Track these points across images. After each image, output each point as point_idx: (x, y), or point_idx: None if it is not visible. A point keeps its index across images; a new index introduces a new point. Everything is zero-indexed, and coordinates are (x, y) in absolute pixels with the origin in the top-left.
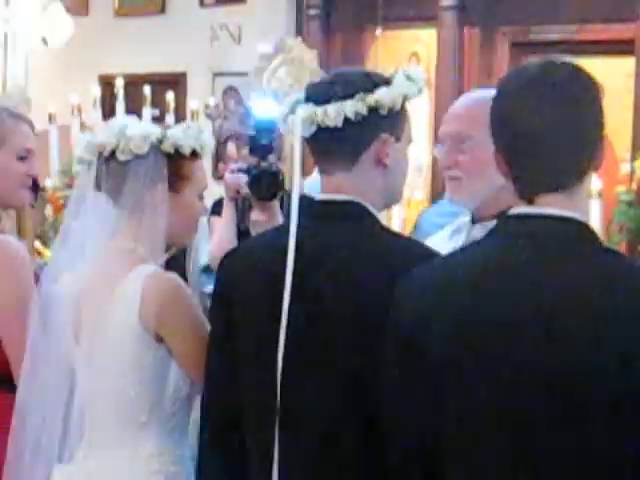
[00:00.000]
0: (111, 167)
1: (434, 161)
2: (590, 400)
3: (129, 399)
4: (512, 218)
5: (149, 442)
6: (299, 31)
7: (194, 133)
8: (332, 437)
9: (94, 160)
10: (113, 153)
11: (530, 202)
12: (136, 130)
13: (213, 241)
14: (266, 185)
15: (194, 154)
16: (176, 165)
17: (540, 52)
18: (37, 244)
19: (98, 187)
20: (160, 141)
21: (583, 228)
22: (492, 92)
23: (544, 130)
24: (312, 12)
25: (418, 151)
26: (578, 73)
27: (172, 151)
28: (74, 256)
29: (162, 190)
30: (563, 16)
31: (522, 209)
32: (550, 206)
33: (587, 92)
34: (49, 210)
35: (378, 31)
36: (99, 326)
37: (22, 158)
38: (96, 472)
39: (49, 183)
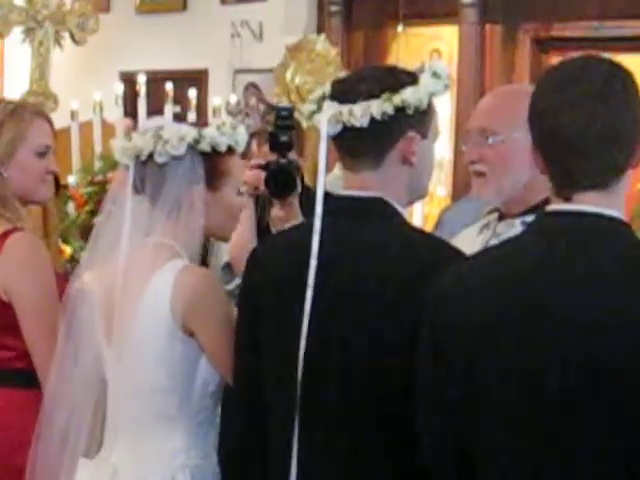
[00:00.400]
0: (149, 170)
1: (456, 157)
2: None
3: (158, 393)
4: (549, 215)
5: (177, 436)
6: (320, 28)
7: (229, 130)
8: (352, 434)
9: (131, 164)
10: (150, 156)
11: (567, 200)
12: (172, 132)
13: (232, 238)
14: (282, 181)
15: (230, 150)
16: (213, 163)
17: (562, 49)
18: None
19: (136, 190)
20: (197, 141)
21: (620, 225)
22: (520, 88)
23: (583, 127)
24: (333, 9)
25: (440, 147)
26: (617, 70)
27: (209, 150)
28: (107, 256)
29: (200, 189)
30: (585, 12)
31: (559, 206)
32: (587, 204)
33: (626, 89)
34: (71, 207)
35: (399, 28)
36: (131, 320)
37: (41, 154)
38: (122, 466)
39: (71, 180)
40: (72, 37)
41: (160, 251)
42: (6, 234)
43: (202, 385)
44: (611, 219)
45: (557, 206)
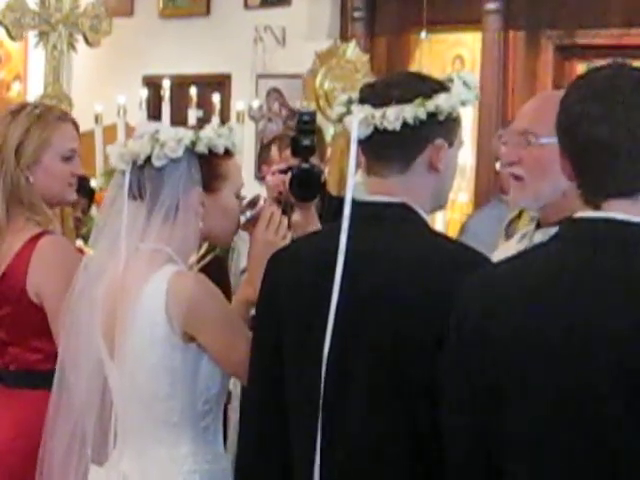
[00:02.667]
0: (147, 174)
1: (478, 163)
2: None
3: (160, 400)
4: (576, 222)
5: (183, 442)
6: (343, 34)
7: (225, 132)
8: (377, 436)
9: (127, 169)
10: (147, 160)
11: (596, 207)
12: (169, 134)
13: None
14: (306, 185)
15: (227, 152)
16: (211, 165)
17: (585, 56)
18: (81, 244)
19: (132, 196)
20: (194, 143)
21: None
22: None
23: (612, 136)
24: (356, 15)
25: (462, 153)
26: None
27: (206, 151)
28: (105, 263)
29: (197, 192)
30: (609, 20)
31: (587, 213)
32: (617, 211)
33: None
34: (94, 210)
35: (422, 34)
36: (128, 328)
37: (67, 159)
38: (131, 474)
39: (94, 184)
40: (86, 40)
41: (154, 257)
42: (37, 237)
43: (204, 390)
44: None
45: (586, 213)
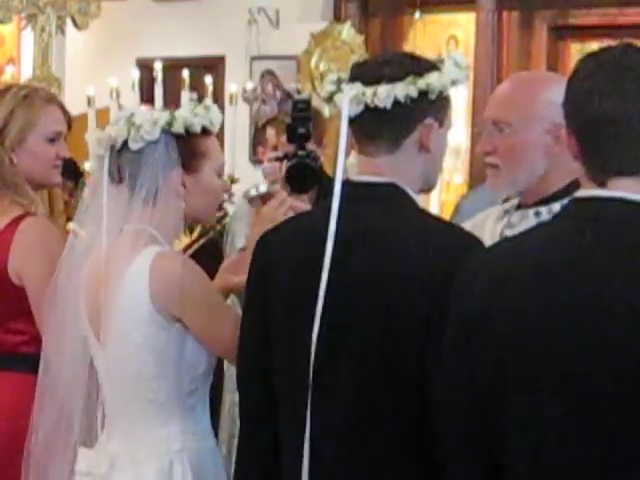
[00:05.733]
0: (125, 158)
1: (473, 144)
2: None
3: (146, 380)
4: (581, 200)
5: (170, 422)
6: (337, 15)
7: (202, 111)
8: (364, 414)
9: (106, 155)
10: (125, 144)
11: (602, 185)
12: (144, 117)
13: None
14: (301, 178)
15: (205, 131)
16: (190, 144)
17: (579, 36)
18: (74, 226)
19: (112, 180)
20: (169, 124)
21: None
22: (536, 76)
23: (620, 114)
24: None
25: (456, 134)
26: None
27: (183, 131)
28: (90, 245)
29: (177, 173)
30: (602, 0)
31: (593, 192)
32: (623, 189)
33: None
34: (84, 199)
35: (417, 15)
36: (112, 309)
37: (51, 140)
38: (120, 454)
39: (87, 166)
40: (74, 22)
41: (137, 238)
42: (19, 219)
43: (190, 369)
44: None
45: (591, 191)
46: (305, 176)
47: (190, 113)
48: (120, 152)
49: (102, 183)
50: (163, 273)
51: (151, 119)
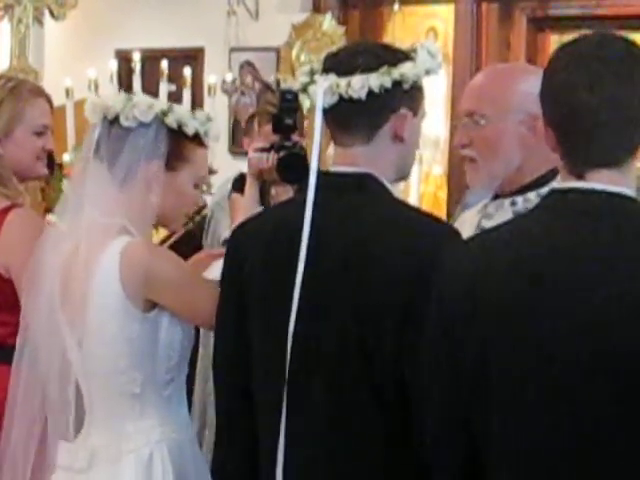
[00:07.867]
0: (113, 132)
1: (452, 136)
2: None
3: (121, 372)
4: (560, 192)
5: (147, 413)
6: (316, 6)
7: (202, 117)
8: (341, 403)
9: (98, 126)
10: (117, 118)
11: (579, 177)
12: (143, 99)
13: (238, 219)
14: (293, 168)
15: (197, 138)
16: (177, 143)
17: (558, 27)
18: (53, 217)
19: (97, 152)
20: (164, 113)
21: (632, 203)
22: (511, 67)
23: (597, 105)
24: None
25: (436, 126)
26: (632, 48)
27: (175, 126)
28: (70, 228)
29: (158, 166)
30: None
31: (571, 184)
32: (601, 181)
33: None
34: (66, 185)
35: (395, 6)
36: (85, 300)
37: (39, 134)
38: (99, 448)
39: (66, 158)
40: (51, 13)
41: (109, 229)
42: (5, 211)
43: (165, 359)
44: (624, 197)
45: (570, 183)
46: (297, 167)
47: (189, 113)
48: (111, 126)
49: (88, 160)
50: (133, 261)
51: (148, 102)
